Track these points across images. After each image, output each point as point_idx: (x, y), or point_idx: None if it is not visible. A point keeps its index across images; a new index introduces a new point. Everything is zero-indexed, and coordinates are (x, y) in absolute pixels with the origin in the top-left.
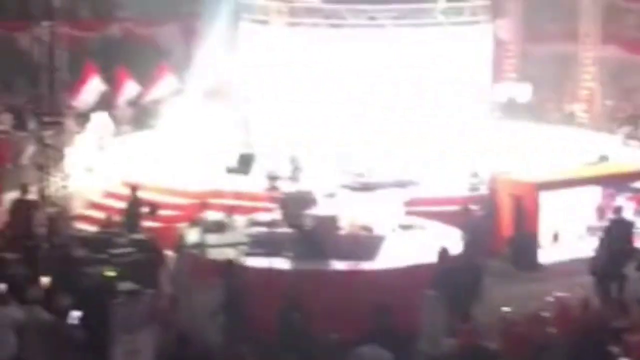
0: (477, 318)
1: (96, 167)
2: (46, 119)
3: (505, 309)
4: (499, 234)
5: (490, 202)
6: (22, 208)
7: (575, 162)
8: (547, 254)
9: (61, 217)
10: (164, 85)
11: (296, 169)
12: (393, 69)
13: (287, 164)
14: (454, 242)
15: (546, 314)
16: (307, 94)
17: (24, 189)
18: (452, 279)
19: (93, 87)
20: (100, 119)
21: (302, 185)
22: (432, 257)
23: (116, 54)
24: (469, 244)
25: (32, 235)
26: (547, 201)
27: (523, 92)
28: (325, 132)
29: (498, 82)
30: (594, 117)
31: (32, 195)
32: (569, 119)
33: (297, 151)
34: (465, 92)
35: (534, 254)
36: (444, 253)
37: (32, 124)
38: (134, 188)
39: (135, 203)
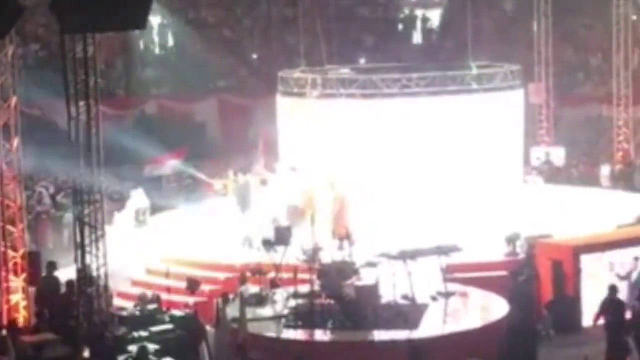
0: None
1: (135, 244)
2: (84, 197)
3: None
4: (539, 298)
5: (529, 267)
6: (50, 285)
7: (612, 224)
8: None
9: (101, 295)
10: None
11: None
12: (427, 136)
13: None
14: (496, 308)
15: None
16: (343, 163)
17: (51, 267)
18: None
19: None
20: (139, 196)
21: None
22: (474, 324)
23: (152, 130)
24: (517, 310)
25: (72, 315)
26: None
27: (557, 155)
28: (362, 200)
29: (532, 145)
30: (628, 178)
31: (70, 274)
32: (602, 180)
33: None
34: (499, 157)
35: (575, 317)
36: None
37: (70, 203)
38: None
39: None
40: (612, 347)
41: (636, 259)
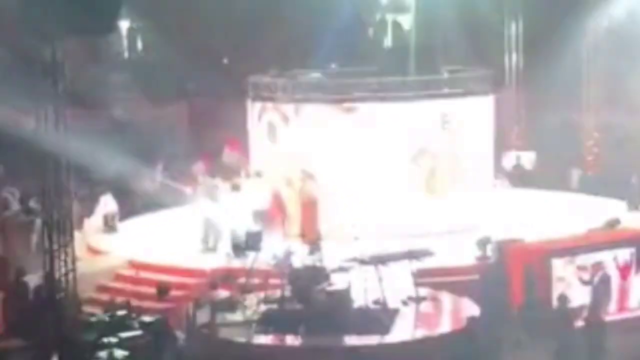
0: None
1: (105, 249)
2: (53, 202)
3: None
4: (510, 302)
5: (500, 271)
6: (18, 291)
7: (583, 228)
8: None
9: (69, 301)
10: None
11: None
12: (398, 140)
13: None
14: (467, 312)
15: None
16: (315, 168)
17: (20, 272)
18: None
19: None
20: (108, 200)
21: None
22: (445, 329)
23: (121, 135)
24: (485, 314)
25: (40, 321)
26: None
27: (528, 160)
28: (334, 205)
29: (504, 150)
30: (599, 183)
31: (39, 280)
32: (572, 184)
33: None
34: (470, 161)
35: (546, 322)
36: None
37: (39, 208)
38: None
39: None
40: (564, 355)
41: (598, 263)
